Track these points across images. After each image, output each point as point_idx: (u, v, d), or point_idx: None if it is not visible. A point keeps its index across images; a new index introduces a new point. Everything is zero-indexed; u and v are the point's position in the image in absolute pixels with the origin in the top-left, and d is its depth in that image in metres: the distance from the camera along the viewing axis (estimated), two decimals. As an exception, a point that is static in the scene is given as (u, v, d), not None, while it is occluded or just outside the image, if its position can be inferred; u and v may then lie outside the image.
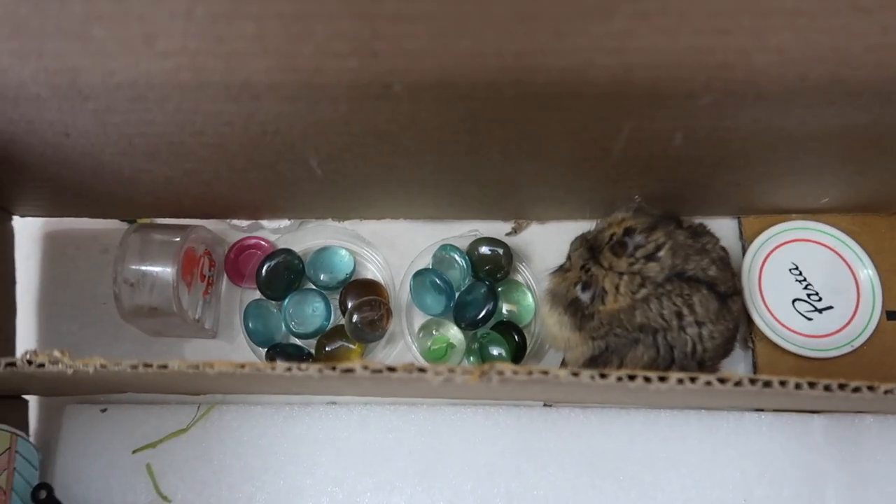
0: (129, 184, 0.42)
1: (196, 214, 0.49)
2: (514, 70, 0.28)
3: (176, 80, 0.29)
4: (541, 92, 0.30)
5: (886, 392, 0.34)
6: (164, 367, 0.34)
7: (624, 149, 0.38)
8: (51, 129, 0.34)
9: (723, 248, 0.45)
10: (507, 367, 0.33)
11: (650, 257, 0.41)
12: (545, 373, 0.33)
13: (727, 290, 0.44)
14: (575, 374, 0.33)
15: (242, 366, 0.34)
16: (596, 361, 0.45)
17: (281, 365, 0.34)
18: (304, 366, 0.34)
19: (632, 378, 0.33)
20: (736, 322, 0.46)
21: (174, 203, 0.46)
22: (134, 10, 0.24)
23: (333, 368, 0.33)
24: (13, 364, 0.34)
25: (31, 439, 0.46)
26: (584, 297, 0.43)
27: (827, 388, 0.34)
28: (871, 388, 0.34)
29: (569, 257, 0.45)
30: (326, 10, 0.24)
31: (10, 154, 0.38)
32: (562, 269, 0.45)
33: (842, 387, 0.34)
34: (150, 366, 0.34)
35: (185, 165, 0.39)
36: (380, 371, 0.33)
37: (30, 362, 0.34)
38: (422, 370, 0.33)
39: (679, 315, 0.41)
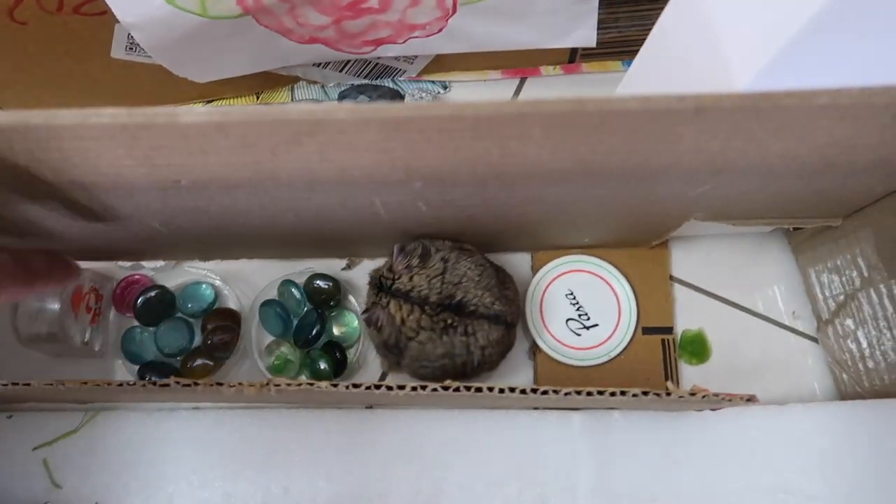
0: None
1: (86, 258, 0.60)
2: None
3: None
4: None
5: (588, 394, 0.44)
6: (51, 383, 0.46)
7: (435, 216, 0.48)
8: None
9: (509, 286, 0.57)
10: (282, 381, 0.45)
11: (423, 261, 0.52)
12: (311, 384, 0.45)
13: (512, 320, 0.55)
14: (334, 386, 0.45)
15: (99, 383, 0.46)
16: None
17: (125, 381, 0.46)
18: (138, 382, 0.46)
19: (389, 388, 0.44)
20: (513, 339, 0.58)
21: (67, 251, 0.58)
22: None
23: (154, 384, 0.45)
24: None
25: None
26: (371, 329, 0.53)
27: (544, 392, 0.44)
28: (578, 393, 0.44)
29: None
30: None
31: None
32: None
33: (556, 391, 0.45)
34: (29, 384, 0.46)
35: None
36: (189, 385, 0.45)
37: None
38: (219, 384, 0.45)
39: (467, 345, 0.52)
